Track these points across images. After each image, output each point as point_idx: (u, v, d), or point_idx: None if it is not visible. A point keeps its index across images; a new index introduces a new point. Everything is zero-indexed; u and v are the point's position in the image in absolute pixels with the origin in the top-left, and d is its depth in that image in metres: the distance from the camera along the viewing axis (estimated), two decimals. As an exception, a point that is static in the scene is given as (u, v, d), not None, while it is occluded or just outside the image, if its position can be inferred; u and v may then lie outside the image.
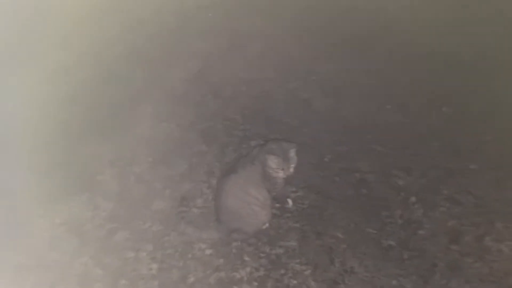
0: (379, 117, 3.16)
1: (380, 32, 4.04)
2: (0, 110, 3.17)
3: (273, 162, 2.13)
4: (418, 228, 2.33)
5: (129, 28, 4.33)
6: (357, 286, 2.07)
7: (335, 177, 2.69)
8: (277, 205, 2.41)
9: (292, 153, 2.16)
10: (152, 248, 2.32)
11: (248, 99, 3.45)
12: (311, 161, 2.74)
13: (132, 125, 3.23)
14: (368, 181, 2.64)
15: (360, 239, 2.30)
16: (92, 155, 2.95)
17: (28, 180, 2.69)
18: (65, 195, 2.65)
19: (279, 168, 2.14)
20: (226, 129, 3.15)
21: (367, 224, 2.37)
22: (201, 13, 4.61)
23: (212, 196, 2.55)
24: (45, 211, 2.57)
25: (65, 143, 3.00)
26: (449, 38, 3.82)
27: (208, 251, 2.28)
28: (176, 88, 3.64)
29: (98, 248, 2.34)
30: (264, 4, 4.70)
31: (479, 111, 3.09)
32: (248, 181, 2.19)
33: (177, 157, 2.92)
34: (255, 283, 2.12)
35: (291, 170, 2.18)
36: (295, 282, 2.11)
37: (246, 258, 2.24)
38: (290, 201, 2.49)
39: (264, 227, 2.34)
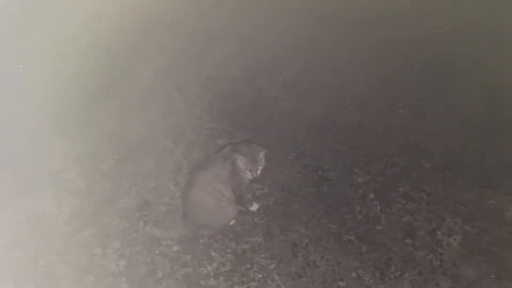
0: (340, 117, 3.28)
1: (344, 33, 4.18)
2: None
3: (241, 162, 2.20)
4: (375, 223, 2.47)
5: (93, 22, 4.25)
6: (319, 279, 2.18)
7: (298, 175, 2.80)
8: (241, 208, 2.47)
9: (261, 155, 2.23)
10: (119, 244, 2.34)
11: (215, 97, 3.49)
12: (276, 159, 2.82)
13: (96, 121, 3.20)
14: (329, 179, 2.76)
15: (322, 234, 2.41)
16: (55, 151, 2.91)
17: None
18: (28, 192, 2.62)
19: (247, 169, 2.21)
20: (192, 127, 3.18)
21: (328, 220, 2.49)
22: (169, 9, 4.58)
23: (179, 194, 2.59)
24: (7, 207, 2.52)
25: (27, 139, 2.95)
26: (409, 39, 4.02)
27: (175, 248, 2.33)
28: (141, 84, 3.62)
29: (63, 245, 2.34)
30: (233, 2, 4.73)
31: (432, 113, 3.28)
32: (217, 177, 2.24)
33: (143, 154, 2.93)
34: (222, 278, 2.19)
35: (259, 172, 2.25)
36: (260, 276, 2.20)
37: (213, 254, 2.30)
38: (255, 205, 2.53)
39: (230, 223, 2.41)
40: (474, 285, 2.14)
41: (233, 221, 2.42)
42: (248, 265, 2.25)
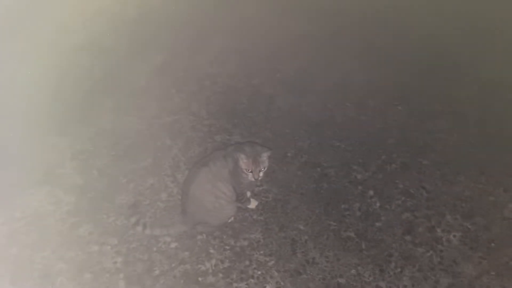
0: (339, 114, 3.28)
1: (343, 30, 4.17)
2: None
3: (243, 162, 2.16)
4: (375, 220, 2.46)
5: (90, 17, 4.22)
6: (318, 275, 2.16)
7: (297, 172, 2.78)
8: (240, 206, 2.45)
9: (264, 157, 2.18)
10: (116, 241, 2.31)
11: (213, 94, 3.47)
12: (274, 156, 2.80)
13: (93, 117, 3.18)
14: (328, 176, 2.75)
15: (321, 230, 2.39)
16: (52, 147, 2.89)
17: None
18: (24, 188, 2.59)
19: (248, 169, 2.17)
20: (190, 124, 3.16)
21: (327, 217, 2.48)
22: (165, 5, 4.55)
23: (177, 190, 2.57)
24: (3, 204, 2.49)
25: (24, 135, 2.91)
26: (408, 36, 4.01)
27: (173, 245, 2.30)
28: (138, 81, 3.60)
29: (60, 242, 2.30)
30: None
31: (432, 110, 3.28)
32: (217, 175, 2.21)
33: (141, 150, 2.90)
34: (220, 275, 2.16)
35: (261, 174, 2.20)
36: (259, 273, 2.17)
37: (211, 251, 2.28)
38: (254, 202, 2.51)
39: (229, 220, 2.39)
40: (474, 282, 2.13)
41: (231, 218, 2.40)
42: (247, 262, 2.23)
